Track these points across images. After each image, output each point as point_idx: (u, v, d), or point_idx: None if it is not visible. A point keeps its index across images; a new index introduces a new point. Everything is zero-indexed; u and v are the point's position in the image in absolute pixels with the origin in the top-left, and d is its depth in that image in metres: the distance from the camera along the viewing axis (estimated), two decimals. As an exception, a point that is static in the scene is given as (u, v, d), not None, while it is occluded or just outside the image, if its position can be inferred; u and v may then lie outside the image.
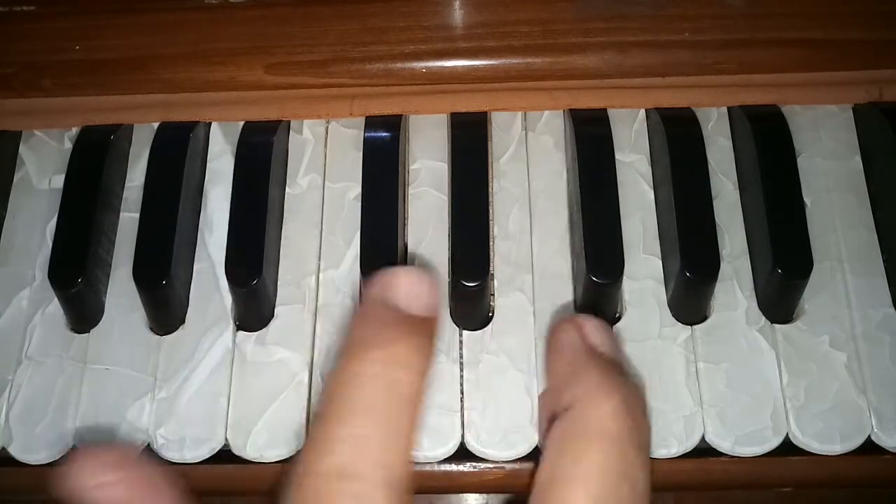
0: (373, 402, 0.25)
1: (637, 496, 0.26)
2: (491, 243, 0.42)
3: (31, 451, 0.39)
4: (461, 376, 0.39)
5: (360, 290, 0.41)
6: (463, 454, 0.38)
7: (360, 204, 0.42)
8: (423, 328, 0.27)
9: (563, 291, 0.41)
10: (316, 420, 0.26)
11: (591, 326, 0.31)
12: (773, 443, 0.38)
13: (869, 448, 0.38)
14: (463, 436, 0.38)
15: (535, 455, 0.38)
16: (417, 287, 0.28)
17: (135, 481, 0.26)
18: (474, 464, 0.39)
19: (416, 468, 0.38)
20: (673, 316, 0.40)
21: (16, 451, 0.39)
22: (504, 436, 0.38)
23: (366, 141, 0.44)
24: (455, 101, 0.45)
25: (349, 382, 0.25)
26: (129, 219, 0.43)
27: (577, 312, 0.40)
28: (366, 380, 0.25)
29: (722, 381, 0.39)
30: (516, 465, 0.38)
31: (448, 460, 0.38)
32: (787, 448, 0.38)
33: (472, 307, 0.40)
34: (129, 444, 0.38)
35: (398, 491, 0.24)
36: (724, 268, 0.40)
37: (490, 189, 0.43)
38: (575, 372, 0.29)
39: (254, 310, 0.41)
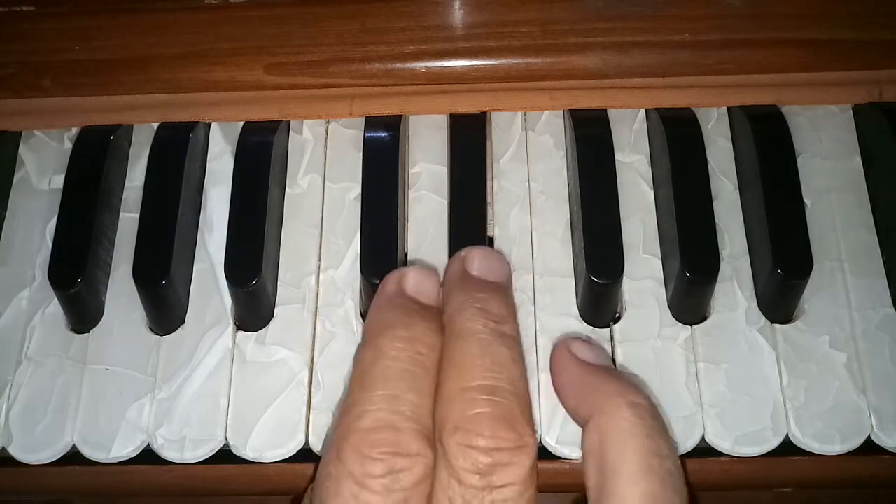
0: (402, 370, 0.30)
1: (678, 470, 0.29)
2: (491, 243, 0.42)
3: (31, 451, 0.39)
4: (461, 376, 0.39)
5: (360, 290, 0.41)
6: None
7: (360, 204, 0.42)
8: (434, 314, 0.33)
9: (564, 291, 0.41)
10: (349, 393, 0.30)
11: (578, 346, 0.35)
12: (773, 443, 0.38)
13: (869, 448, 0.38)
14: (463, 436, 0.38)
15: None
16: (426, 281, 0.34)
17: None
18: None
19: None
20: (673, 316, 0.40)
21: (16, 451, 0.39)
22: (504, 436, 0.38)
23: (366, 141, 0.44)
24: (455, 101, 0.45)
25: (378, 356, 0.30)
26: (129, 219, 0.43)
27: (578, 312, 0.40)
28: (394, 353, 0.30)
29: (722, 382, 0.39)
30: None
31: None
32: (787, 448, 0.38)
33: (472, 307, 0.40)
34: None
35: (430, 439, 0.29)
36: (724, 268, 0.40)
37: (490, 189, 0.43)
38: (581, 386, 0.32)
39: (253, 310, 0.41)
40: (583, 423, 0.31)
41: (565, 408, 0.34)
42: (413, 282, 0.34)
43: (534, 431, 0.29)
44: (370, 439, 0.28)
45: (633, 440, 0.29)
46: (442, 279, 0.35)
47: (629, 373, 0.39)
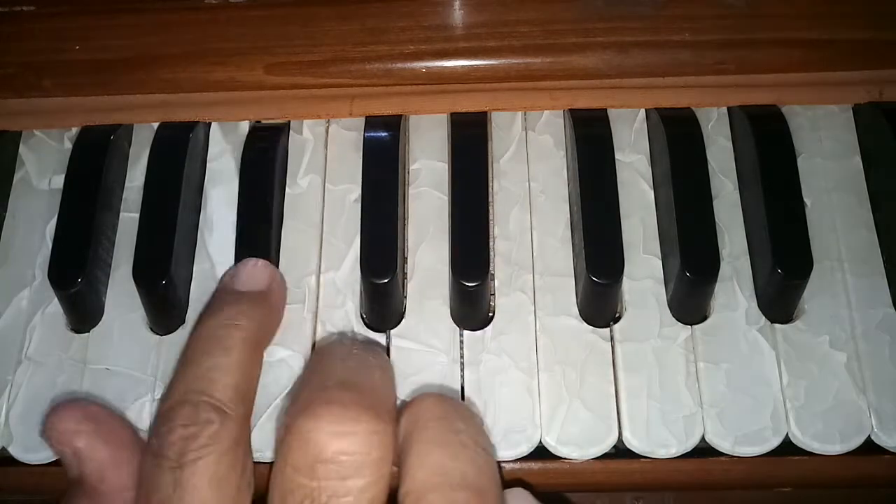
0: (229, 344, 0.34)
1: (477, 446, 0.30)
2: (491, 243, 0.42)
3: (32, 451, 0.39)
4: (462, 377, 0.39)
5: (361, 291, 0.41)
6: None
7: (360, 204, 0.42)
8: (252, 297, 0.38)
9: (564, 291, 0.41)
10: (183, 364, 0.34)
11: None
12: (773, 443, 0.38)
13: (869, 448, 0.38)
14: (463, 436, 0.38)
15: (536, 455, 0.38)
16: (252, 271, 0.39)
17: (105, 433, 0.34)
18: (474, 464, 0.39)
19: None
20: (673, 316, 0.40)
21: (16, 451, 0.39)
22: (505, 436, 0.38)
23: (366, 141, 0.44)
24: (455, 101, 0.45)
25: (210, 334, 0.35)
26: (129, 219, 0.43)
27: (578, 312, 0.40)
28: (222, 331, 0.35)
29: (722, 381, 0.39)
30: (517, 465, 0.38)
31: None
32: (787, 448, 0.38)
33: (472, 307, 0.40)
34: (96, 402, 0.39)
35: (249, 404, 0.34)
36: (724, 268, 0.40)
37: (490, 189, 0.43)
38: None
39: (254, 310, 0.41)
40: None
41: None
42: (239, 275, 0.39)
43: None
44: (167, 417, 0.31)
45: (430, 420, 0.30)
46: (271, 269, 0.40)
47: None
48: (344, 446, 0.28)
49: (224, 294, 0.38)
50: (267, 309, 0.38)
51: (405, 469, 0.29)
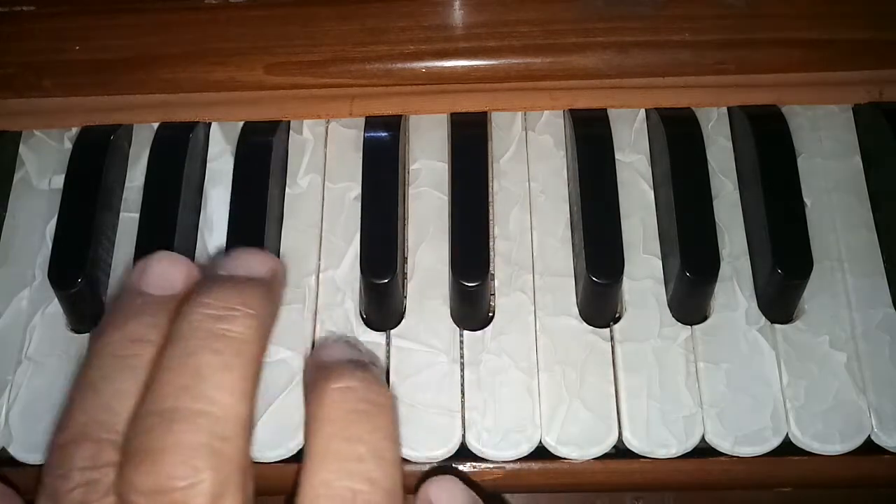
0: (136, 363, 0.27)
1: (377, 453, 0.27)
2: (491, 243, 0.42)
3: (32, 451, 0.39)
4: (462, 376, 0.39)
5: (360, 290, 0.41)
6: (464, 454, 0.38)
7: (359, 204, 0.42)
8: (163, 304, 0.29)
9: (564, 291, 0.41)
10: (81, 386, 0.28)
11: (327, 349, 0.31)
12: (773, 443, 0.38)
13: (869, 448, 0.38)
14: (464, 436, 0.38)
15: (536, 455, 0.38)
16: (166, 269, 0.30)
17: None
18: (475, 464, 0.39)
19: (418, 467, 0.38)
20: (673, 316, 0.40)
21: (16, 451, 0.39)
22: (505, 436, 0.38)
23: (366, 141, 0.44)
24: (455, 101, 0.45)
25: (113, 352, 0.28)
26: (129, 219, 0.43)
27: (578, 312, 0.40)
28: (129, 349, 0.28)
29: (722, 382, 0.39)
30: (517, 465, 0.38)
31: (449, 460, 0.38)
32: (787, 448, 0.38)
33: (472, 307, 0.40)
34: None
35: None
36: (724, 268, 0.40)
37: (490, 189, 0.43)
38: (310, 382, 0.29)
39: (254, 310, 0.41)
40: None
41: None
42: (149, 274, 0.31)
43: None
44: (63, 456, 0.26)
45: (325, 423, 0.27)
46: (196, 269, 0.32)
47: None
48: None
49: (130, 299, 0.30)
50: None
51: (302, 471, 0.27)
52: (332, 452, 0.27)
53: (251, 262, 0.31)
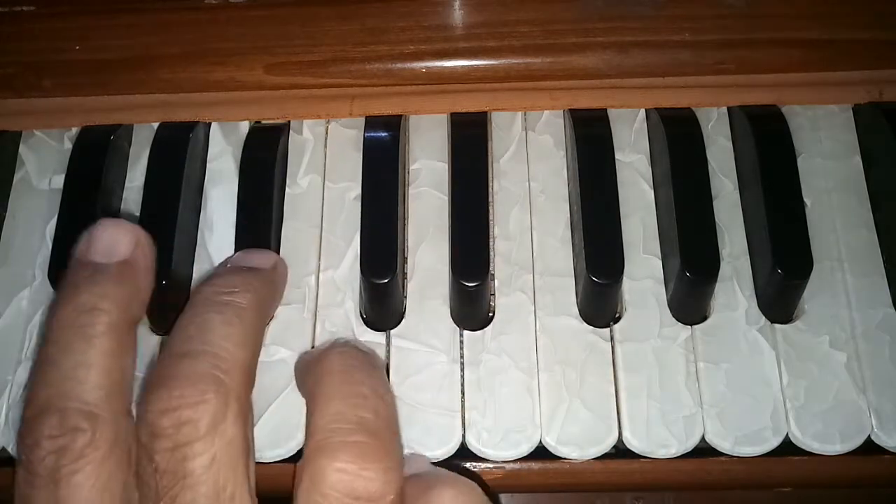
0: (92, 333, 0.30)
1: (366, 421, 0.31)
2: (491, 243, 0.42)
3: (32, 451, 0.39)
4: (462, 376, 0.39)
5: (360, 290, 0.41)
6: (464, 454, 0.38)
7: (359, 204, 0.42)
8: (112, 272, 0.32)
9: (564, 291, 0.41)
10: (43, 362, 0.30)
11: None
12: (773, 443, 0.38)
13: (869, 448, 0.38)
14: (464, 436, 0.38)
15: (536, 455, 0.38)
16: (110, 238, 0.33)
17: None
18: (475, 463, 0.39)
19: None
20: (673, 316, 0.40)
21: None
22: (505, 436, 0.38)
23: (366, 141, 0.44)
24: (455, 101, 0.45)
25: (68, 324, 0.30)
26: (129, 219, 0.43)
27: (578, 312, 0.40)
28: (83, 318, 0.30)
29: (722, 381, 0.39)
30: (517, 465, 0.38)
31: (448, 460, 0.38)
32: (787, 448, 0.38)
33: (472, 307, 0.40)
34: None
35: (93, 412, 0.29)
36: (724, 268, 0.40)
37: (490, 189, 0.43)
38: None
39: (254, 310, 0.41)
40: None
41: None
42: (95, 242, 0.33)
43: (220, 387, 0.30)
44: (31, 427, 0.29)
45: (332, 373, 0.32)
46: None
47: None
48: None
49: (80, 270, 0.32)
50: (132, 281, 0.33)
51: (309, 419, 0.31)
52: (339, 392, 0.31)
53: (254, 257, 0.37)
